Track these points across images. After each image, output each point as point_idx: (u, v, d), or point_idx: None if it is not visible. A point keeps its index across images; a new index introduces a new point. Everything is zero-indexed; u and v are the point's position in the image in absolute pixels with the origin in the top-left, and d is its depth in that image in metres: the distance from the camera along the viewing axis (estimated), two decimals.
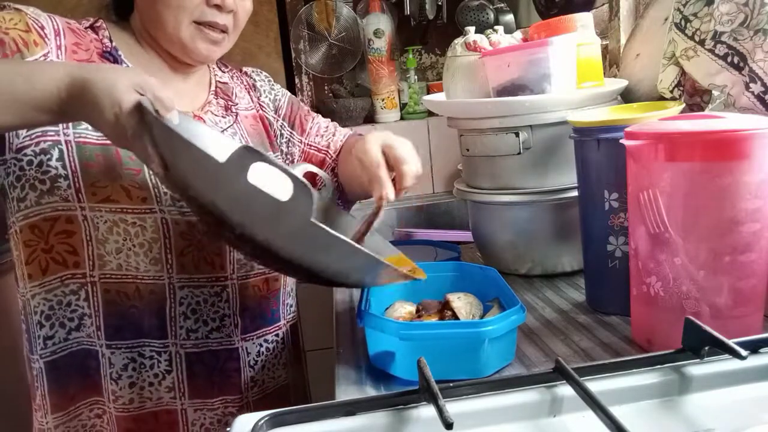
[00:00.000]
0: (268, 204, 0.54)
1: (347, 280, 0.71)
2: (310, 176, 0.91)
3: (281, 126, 0.99)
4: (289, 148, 0.99)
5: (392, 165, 0.75)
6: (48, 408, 0.81)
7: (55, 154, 0.74)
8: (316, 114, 1.05)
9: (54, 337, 0.78)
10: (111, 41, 0.81)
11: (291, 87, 1.97)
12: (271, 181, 0.55)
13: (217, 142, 0.79)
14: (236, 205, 0.58)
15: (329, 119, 1.07)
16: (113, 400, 0.80)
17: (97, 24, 0.83)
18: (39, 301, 0.78)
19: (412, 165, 0.76)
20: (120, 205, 0.75)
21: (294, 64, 1.96)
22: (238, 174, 0.53)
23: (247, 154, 0.53)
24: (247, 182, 0.53)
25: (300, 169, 0.89)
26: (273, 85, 1.02)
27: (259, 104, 0.97)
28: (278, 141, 0.98)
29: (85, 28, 0.82)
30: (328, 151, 1.01)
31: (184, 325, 0.80)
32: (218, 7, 0.79)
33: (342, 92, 2.03)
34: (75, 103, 0.62)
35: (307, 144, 1.01)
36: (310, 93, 2.00)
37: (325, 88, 2.07)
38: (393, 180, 0.76)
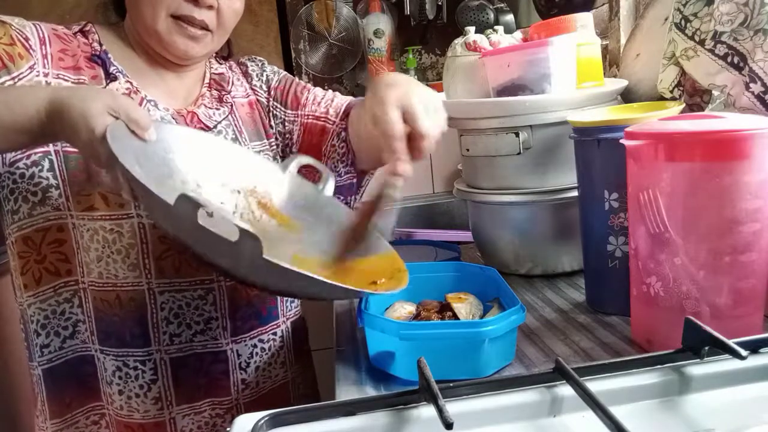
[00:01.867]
0: (221, 242, 0.54)
1: (327, 298, 0.71)
2: (308, 168, 0.89)
3: (273, 106, 0.95)
4: (286, 127, 0.95)
5: (409, 136, 0.67)
6: (47, 414, 0.81)
7: (46, 164, 0.75)
8: (312, 86, 1.00)
9: (50, 346, 0.79)
10: (101, 44, 0.82)
11: None
12: (219, 221, 0.56)
13: (199, 146, 0.79)
14: (195, 240, 0.60)
15: (329, 90, 1.01)
16: (110, 402, 0.80)
17: (86, 28, 0.83)
18: (35, 310, 0.79)
19: (431, 139, 0.67)
20: (99, 213, 0.76)
21: (294, 64, 1.96)
22: (189, 215, 0.54)
23: (187, 202, 0.54)
24: (198, 224, 0.54)
25: (295, 163, 0.87)
26: (264, 67, 0.99)
27: (252, 89, 0.96)
28: (273, 123, 0.95)
29: (74, 32, 0.82)
30: (327, 117, 0.94)
31: (167, 330, 0.79)
32: (195, 2, 0.78)
33: (342, 92, 2.03)
34: (54, 125, 0.64)
35: (305, 115, 0.95)
36: None
37: (325, 88, 2.06)
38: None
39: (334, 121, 0.94)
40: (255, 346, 0.87)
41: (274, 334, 0.90)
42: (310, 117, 0.95)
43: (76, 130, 0.62)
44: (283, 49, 1.93)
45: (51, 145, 0.75)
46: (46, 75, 0.75)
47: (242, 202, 0.82)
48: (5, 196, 0.77)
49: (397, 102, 0.66)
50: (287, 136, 0.95)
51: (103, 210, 0.75)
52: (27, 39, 0.75)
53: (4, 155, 0.75)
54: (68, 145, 0.75)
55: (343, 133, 0.93)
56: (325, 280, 0.57)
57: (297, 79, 1.00)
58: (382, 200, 0.67)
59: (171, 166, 0.73)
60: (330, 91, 1.00)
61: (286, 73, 1.01)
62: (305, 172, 0.89)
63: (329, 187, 0.87)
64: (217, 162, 0.81)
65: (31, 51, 0.75)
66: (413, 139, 0.67)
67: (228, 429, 0.47)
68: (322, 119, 0.94)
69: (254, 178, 0.84)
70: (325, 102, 0.96)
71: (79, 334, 0.79)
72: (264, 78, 0.97)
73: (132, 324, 0.78)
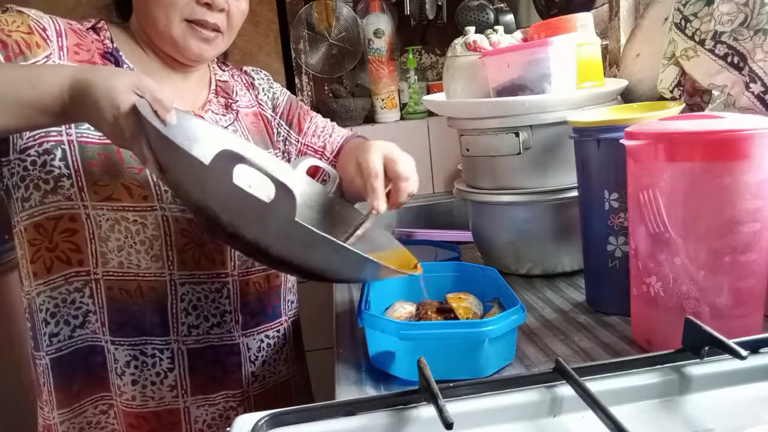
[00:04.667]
0: (253, 205, 0.55)
1: (341, 277, 0.72)
2: (314, 170, 0.91)
3: (278, 124, 0.99)
4: (287, 147, 1.00)
5: (390, 179, 0.74)
6: (54, 404, 0.81)
7: (58, 153, 0.75)
8: (315, 113, 1.05)
9: (59, 335, 0.79)
10: (112, 42, 0.82)
11: (291, 87, 1.97)
12: (255, 181, 0.56)
13: (218, 139, 0.79)
14: (225, 206, 0.59)
15: (328, 119, 1.06)
16: (119, 394, 0.81)
17: (99, 25, 0.83)
18: (44, 298, 0.78)
19: (410, 183, 0.75)
20: (121, 203, 0.76)
21: (294, 64, 1.96)
22: (224, 176, 0.54)
23: (228, 157, 0.54)
24: (233, 184, 0.54)
25: (304, 164, 0.89)
26: (272, 83, 1.03)
27: (258, 102, 0.98)
28: (276, 139, 0.98)
29: (87, 29, 0.82)
30: (324, 152, 1.02)
31: (186, 321, 0.80)
32: (208, 6, 0.79)
33: (342, 92, 2.03)
34: (77, 105, 0.63)
35: (304, 144, 1.01)
36: (310, 93, 2.00)
37: (325, 88, 2.07)
38: (389, 192, 0.75)
39: (329, 157, 1.01)
40: (262, 341, 0.88)
41: (278, 331, 0.91)
42: (309, 148, 1.01)
43: (99, 108, 0.61)
44: (283, 49, 1.93)
45: (65, 134, 0.75)
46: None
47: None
48: (15, 183, 0.77)
49: (380, 151, 0.75)
50: (285, 154, 1.00)
51: (127, 201, 0.76)
52: (44, 29, 0.75)
53: (15, 142, 0.75)
54: (83, 135, 0.76)
55: (334, 169, 0.99)
56: (350, 247, 0.58)
57: (299, 101, 1.05)
58: (359, 225, 0.77)
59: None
60: (329, 122, 1.06)
61: (290, 93, 1.05)
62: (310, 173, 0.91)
63: (337, 188, 0.88)
64: None
65: (48, 41, 0.75)
66: (394, 181, 0.74)
67: (228, 429, 0.47)
68: (319, 153, 1.01)
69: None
70: (324, 136, 1.03)
71: (89, 324, 0.79)
72: (271, 95, 1.01)
73: (151, 313, 0.79)
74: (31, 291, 0.79)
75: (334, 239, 0.57)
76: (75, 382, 0.80)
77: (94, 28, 0.83)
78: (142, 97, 0.63)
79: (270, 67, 1.89)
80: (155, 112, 0.64)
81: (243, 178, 0.55)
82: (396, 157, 0.75)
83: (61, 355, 0.79)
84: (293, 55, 1.94)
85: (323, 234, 0.56)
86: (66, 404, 0.81)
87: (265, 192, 0.55)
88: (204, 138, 0.77)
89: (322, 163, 0.91)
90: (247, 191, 0.54)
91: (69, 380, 0.80)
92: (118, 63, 0.81)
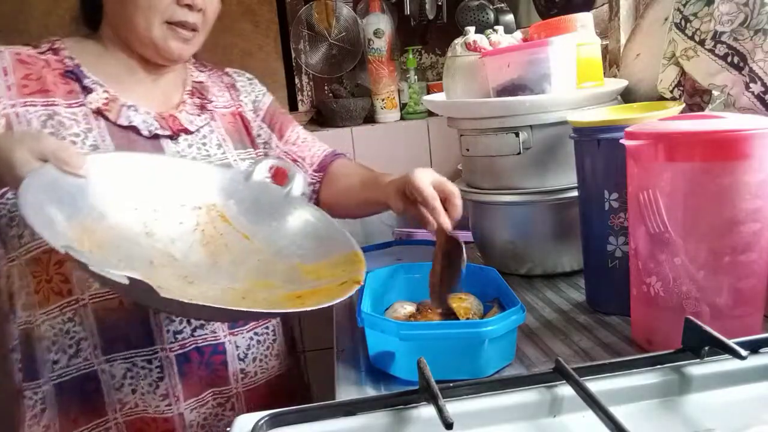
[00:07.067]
0: (119, 284, 0.54)
1: (250, 319, 0.78)
2: (278, 170, 0.89)
3: (259, 126, 1.01)
4: (266, 149, 1.01)
5: (444, 199, 0.79)
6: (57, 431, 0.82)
7: None
8: (296, 123, 1.07)
9: (59, 362, 0.81)
10: (72, 59, 0.83)
11: (291, 87, 1.97)
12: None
13: (153, 171, 0.78)
14: (101, 281, 0.61)
15: (308, 131, 1.08)
16: (119, 409, 0.81)
17: (56, 45, 0.84)
18: (47, 326, 0.80)
19: (460, 199, 0.80)
20: None
21: (294, 64, 1.96)
22: (79, 264, 0.55)
23: (70, 253, 0.54)
24: (90, 269, 0.54)
25: (260, 169, 0.86)
26: (254, 86, 1.04)
27: (238, 103, 0.99)
28: (258, 141, 1.00)
29: (44, 51, 0.83)
30: (303, 163, 1.03)
31: (170, 328, 0.81)
32: (189, 7, 0.80)
33: (342, 92, 2.03)
34: None
35: (284, 152, 1.02)
36: (310, 93, 2.00)
37: (325, 88, 2.06)
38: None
39: (307, 170, 1.02)
40: (251, 338, 0.89)
41: (267, 328, 0.92)
42: (288, 156, 1.02)
43: (4, 181, 0.63)
44: (283, 49, 1.93)
45: None
46: (12, 106, 0.77)
47: (204, 217, 0.82)
48: (6, 223, 0.79)
49: (427, 177, 0.80)
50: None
51: None
52: None
53: None
54: None
55: (317, 185, 1.03)
56: (222, 306, 0.58)
57: (283, 110, 1.07)
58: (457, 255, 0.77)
59: (120, 197, 0.73)
60: (309, 134, 1.08)
61: (273, 98, 1.06)
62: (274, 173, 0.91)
63: (297, 186, 0.86)
64: (172, 182, 0.80)
65: None
66: (450, 198, 0.79)
67: (228, 429, 0.47)
68: (298, 162, 1.02)
69: (214, 193, 0.84)
70: (304, 148, 1.04)
71: (82, 351, 0.80)
72: (253, 97, 1.02)
73: (137, 326, 0.79)
74: (33, 321, 0.81)
75: (205, 303, 0.57)
76: (71, 410, 0.82)
77: (52, 49, 0.83)
78: (46, 161, 0.64)
79: (270, 67, 1.89)
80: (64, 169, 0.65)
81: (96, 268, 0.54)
82: (441, 178, 0.80)
83: (62, 381, 0.81)
84: (293, 55, 1.94)
85: (194, 302, 0.56)
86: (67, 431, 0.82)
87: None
88: (133, 174, 0.75)
89: (279, 162, 0.90)
90: (105, 275, 0.53)
91: (67, 408, 0.81)
92: (79, 79, 0.82)
